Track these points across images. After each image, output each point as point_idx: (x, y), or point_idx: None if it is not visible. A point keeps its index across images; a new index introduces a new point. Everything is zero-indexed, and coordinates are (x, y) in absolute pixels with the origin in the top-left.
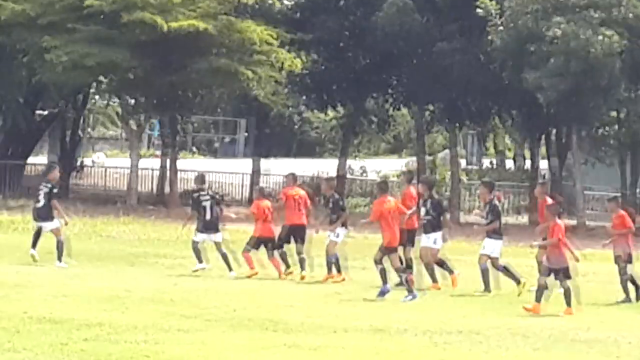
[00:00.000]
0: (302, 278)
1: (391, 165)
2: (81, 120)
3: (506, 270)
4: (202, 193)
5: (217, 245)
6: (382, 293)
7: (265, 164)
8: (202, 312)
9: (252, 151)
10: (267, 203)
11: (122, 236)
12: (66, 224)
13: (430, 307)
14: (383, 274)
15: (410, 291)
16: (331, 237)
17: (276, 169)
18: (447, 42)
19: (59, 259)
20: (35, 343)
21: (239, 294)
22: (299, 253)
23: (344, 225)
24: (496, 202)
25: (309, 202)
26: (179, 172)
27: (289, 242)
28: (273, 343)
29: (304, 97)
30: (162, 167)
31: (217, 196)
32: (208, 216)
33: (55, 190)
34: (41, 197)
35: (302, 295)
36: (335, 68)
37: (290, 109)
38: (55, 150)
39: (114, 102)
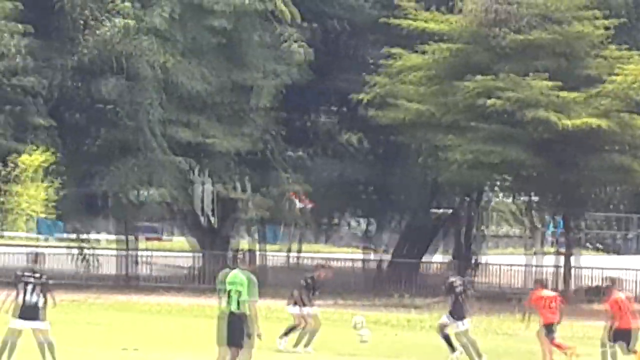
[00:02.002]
0: None
1: None
2: (477, 218)
3: None
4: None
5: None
6: None
7: None
8: None
9: None
10: (548, 293)
11: (518, 334)
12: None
13: None
14: None
15: None
16: None
17: None
18: None
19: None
20: None
21: None
22: None
23: None
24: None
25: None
26: (576, 269)
27: None
28: None
29: None
30: (564, 264)
31: None
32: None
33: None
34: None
35: None
36: None
37: None
38: (449, 248)
39: (514, 200)
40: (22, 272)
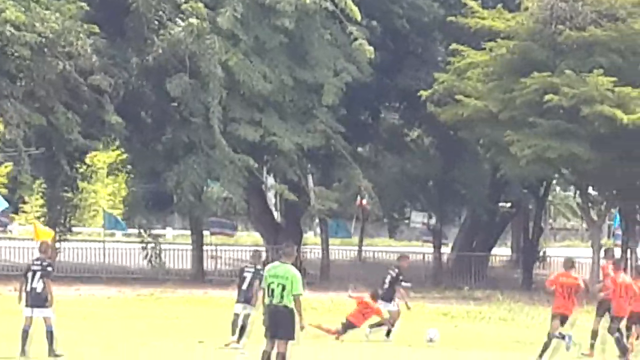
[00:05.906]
0: None
1: None
2: (542, 212)
3: None
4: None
5: None
6: None
7: None
8: None
9: None
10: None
11: (586, 326)
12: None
13: None
14: None
15: None
16: None
17: None
18: None
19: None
20: None
21: None
22: None
23: None
24: None
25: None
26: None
27: None
28: None
29: None
30: (621, 257)
31: None
32: None
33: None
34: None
35: None
36: None
37: None
38: (517, 241)
39: (574, 194)
40: (32, 261)
